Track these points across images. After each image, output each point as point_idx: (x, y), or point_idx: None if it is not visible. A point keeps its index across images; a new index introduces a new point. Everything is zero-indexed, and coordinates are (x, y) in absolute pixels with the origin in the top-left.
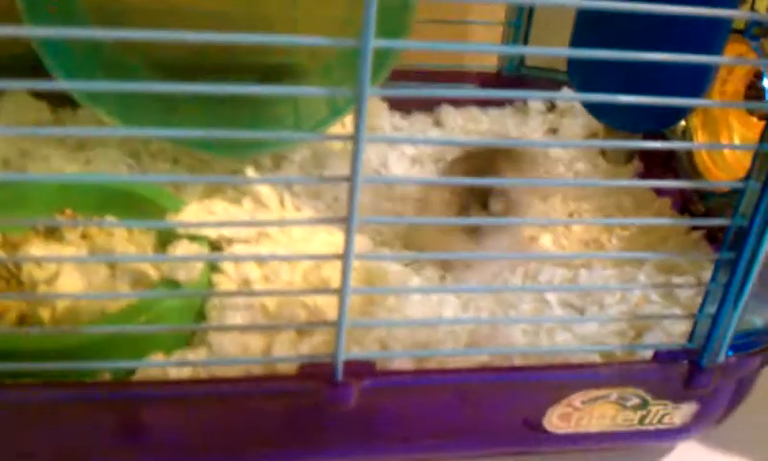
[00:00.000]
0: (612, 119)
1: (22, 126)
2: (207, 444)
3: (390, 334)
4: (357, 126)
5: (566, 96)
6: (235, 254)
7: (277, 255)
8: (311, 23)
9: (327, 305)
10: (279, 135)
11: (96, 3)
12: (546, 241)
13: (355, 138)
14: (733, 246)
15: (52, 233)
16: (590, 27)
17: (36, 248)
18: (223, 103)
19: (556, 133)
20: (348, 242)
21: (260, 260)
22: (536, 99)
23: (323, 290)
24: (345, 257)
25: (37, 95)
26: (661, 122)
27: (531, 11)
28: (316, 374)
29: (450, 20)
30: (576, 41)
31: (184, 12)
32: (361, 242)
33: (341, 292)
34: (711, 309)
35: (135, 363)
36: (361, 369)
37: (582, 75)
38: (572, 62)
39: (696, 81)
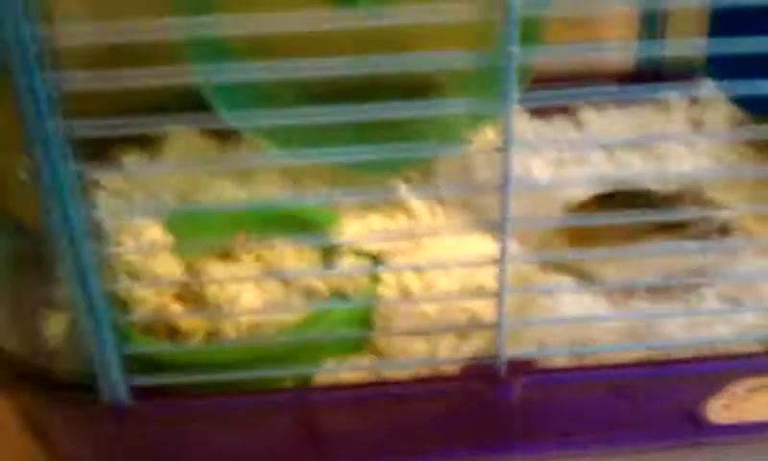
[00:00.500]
0: (759, 106)
1: (193, 161)
2: (378, 443)
3: (547, 333)
4: (506, 133)
5: (707, 89)
6: (396, 265)
7: (436, 263)
8: (446, 36)
9: (484, 309)
10: (432, 149)
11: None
12: None
13: (505, 145)
14: None
15: (228, 256)
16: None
17: (216, 271)
18: (372, 124)
19: (699, 126)
20: (503, 245)
21: (419, 270)
22: (676, 93)
23: (481, 292)
24: (501, 261)
25: (203, 132)
26: None
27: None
28: (479, 373)
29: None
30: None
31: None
32: (514, 249)
33: (499, 294)
34: None
35: (311, 369)
36: (522, 366)
37: (722, 67)
38: (712, 55)
39: None
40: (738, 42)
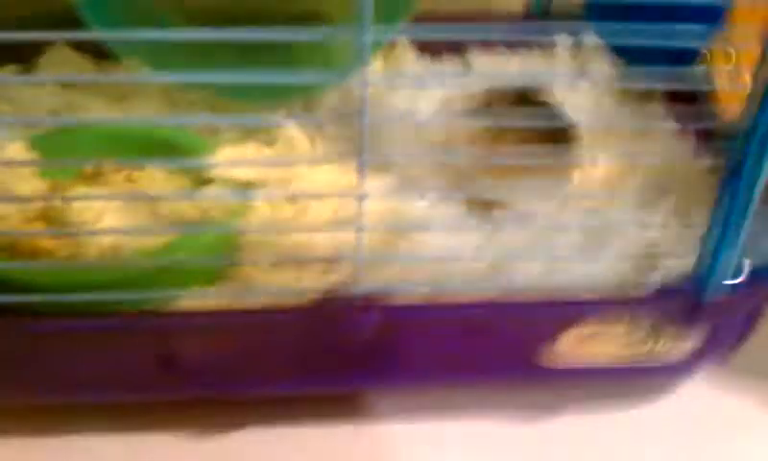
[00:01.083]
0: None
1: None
2: (233, 371)
3: (409, 269)
4: (363, 67)
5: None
6: (257, 191)
7: (299, 193)
8: None
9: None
10: (311, 78)
11: None
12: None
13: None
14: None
15: (97, 179)
16: None
17: (83, 190)
18: (255, 52)
19: (584, 73)
20: (360, 178)
21: (276, 198)
22: (563, 42)
23: (340, 226)
24: (359, 195)
25: (79, 49)
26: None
27: None
28: (333, 305)
29: None
30: None
31: None
32: (388, 183)
33: (357, 228)
34: (714, 241)
35: (172, 295)
36: (376, 301)
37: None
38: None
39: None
40: None
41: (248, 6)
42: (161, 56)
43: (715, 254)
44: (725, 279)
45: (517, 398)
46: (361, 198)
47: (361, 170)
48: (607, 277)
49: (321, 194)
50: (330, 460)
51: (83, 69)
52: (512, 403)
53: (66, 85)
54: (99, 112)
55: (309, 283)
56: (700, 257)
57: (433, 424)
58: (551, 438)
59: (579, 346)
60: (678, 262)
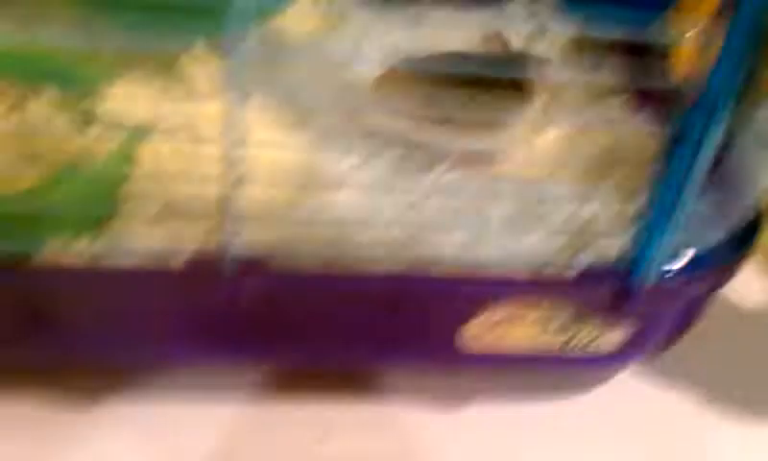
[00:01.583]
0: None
1: None
2: (102, 336)
3: (309, 231)
4: None
5: None
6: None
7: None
8: None
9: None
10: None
11: None
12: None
13: None
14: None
15: None
16: None
17: None
18: None
19: (543, 34)
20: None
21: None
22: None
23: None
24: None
25: None
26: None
27: None
28: (201, 269)
29: None
30: None
31: None
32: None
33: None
34: (647, 217)
35: (37, 244)
36: (254, 267)
37: None
38: None
39: None
40: None
41: None
42: None
43: (649, 234)
44: (659, 265)
45: (429, 382)
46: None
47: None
48: (534, 255)
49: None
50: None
51: None
52: (424, 388)
53: None
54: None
55: (188, 242)
56: (633, 238)
57: (324, 406)
58: (462, 426)
59: (496, 329)
60: (611, 243)
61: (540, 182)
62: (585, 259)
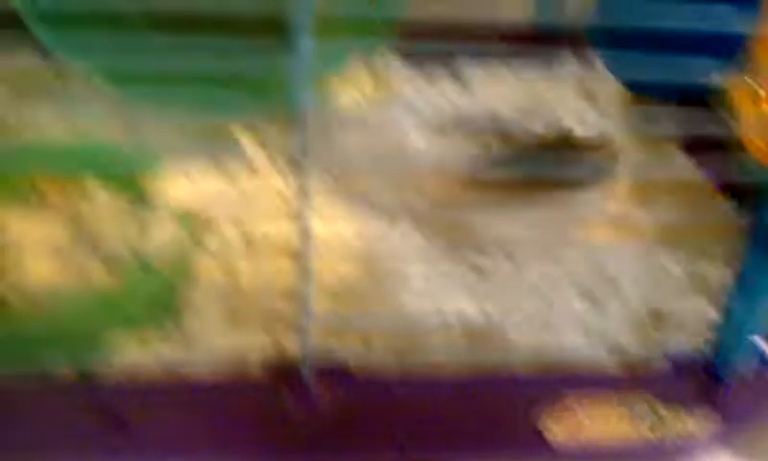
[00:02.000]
0: (640, 85)
1: (25, 88)
2: (183, 440)
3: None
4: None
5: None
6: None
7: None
8: None
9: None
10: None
11: None
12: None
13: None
14: None
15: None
16: None
17: (12, 220)
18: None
19: (591, 95)
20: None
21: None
22: (569, 60)
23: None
24: (302, 253)
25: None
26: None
27: None
28: (281, 379)
29: None
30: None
31: None
32: (369, 224)
33: (302, 288)
34: (738, 307)
35: (104, 350)
36: (333, 373)
37: (604, 38)
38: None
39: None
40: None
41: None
42: (114, 67)
43: (738, 327)
44: (748, 356)
45: None
46: (306, 255)
47: (304, 222)
48: (612, 337)
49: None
50: None
51: (32, 61)
52: None
53: (23, 94)
54: (46, 120)
55: (260, 346)
56: (719, 329)
57: None
58: None
59: (582, 421)
60: (696, 328)
61: (613, 249)
62: (668, 346)
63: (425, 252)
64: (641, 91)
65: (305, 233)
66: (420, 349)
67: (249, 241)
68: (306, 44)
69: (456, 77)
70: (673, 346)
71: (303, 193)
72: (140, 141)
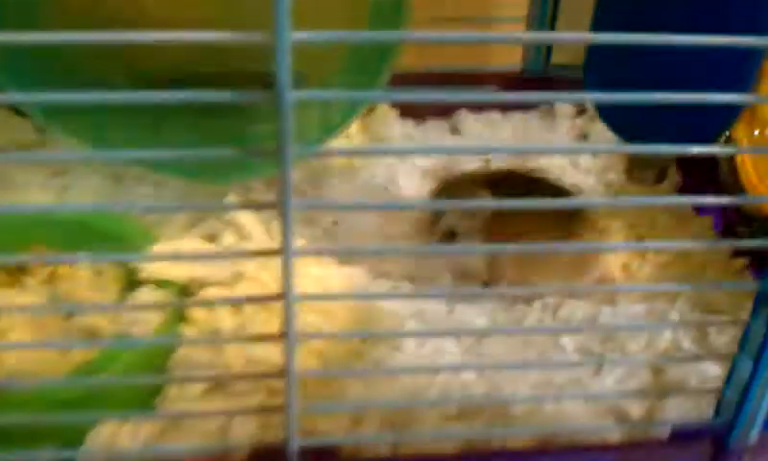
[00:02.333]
0: (637, 136)
1: (3, 145)
2: None
3: (368, 398)
4: (282, 130)
5: (591, 96)
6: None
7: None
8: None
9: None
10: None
11: (63, 12)
12: None
13: (280, 153)
14: None
15: (15, 274)
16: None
17: None
18: (208, 118)
19: (586, 139)
20: (287, 276)
21: (202, 307)
22: (563, 102)
23: (264, 335)
24: (287, 299)
25: (20, 113)
26: (696, 136)
27: (556, 5)
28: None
29: (469, 17)
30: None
31: (163, 22)
32: (355, 275)
33: (286, 339)
34: (746, 370)
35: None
36: (320, 456)
37: (599, 84)
38: (590, 71)
39: (739, 78)
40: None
41: (203, 68)
42: (98, 127)
43: (746, 391)
44: (757, 422)
45: None
46: (288, 301)
47: (287, 262)
48: (616, 401)
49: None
50: None
51: (23, 135)
52: None
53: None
54: (32, 190)
55: (245, 424)
56: (725, 393)
57: None
58: None
59: None
60: (703, 393)
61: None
62: (674, 413)
63: (419, 309)
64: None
65: (289, 301)
66: (414, 424)
67: (236, 308)
68: (288, 99)
69: (449, 123)
70: (677, 413)
71: (287, 251)
72: (127, 207)
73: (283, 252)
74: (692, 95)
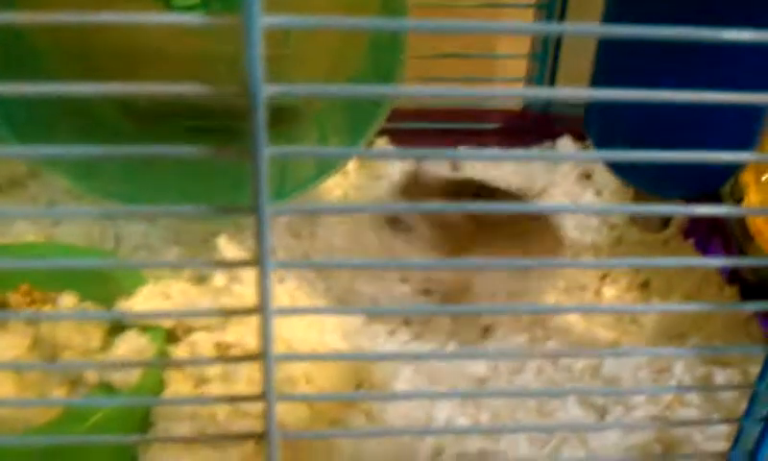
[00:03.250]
0: (641, 182)
1: None
2: None
3: (360, 449)
4: (256, 191)
5: (593, 156)
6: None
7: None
8: (303, 60)
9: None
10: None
11: (60, 46)
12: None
13: (258, 213)
14: None
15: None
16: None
17: None
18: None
19: (589, 178)
20: (266, 336)
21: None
22: (565, 143)
23: (243, 397)
24: (263, 356)
25: None
26: (702, 185)
27: (558, 41)
28: None
29: (471, 54)
30: (598, 81)
31: (160, 52)
32: (350, 320)
33: (264, 397)
34: (753, 434)
35: None
36: None
37: (601, 127)
38: (591, 112)
39: (745, 128)
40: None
41: (197, 102)
42: (90, 166)
43: (752, 457)
44: None
45: None
46: (267, 359)
47: (266, 322)
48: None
49: (229, 359)
50: None
51: (14, 168)
52: None
53: None
54: (23, 222)
55: None
56: (732, 458)
57: None
58: None
59: None
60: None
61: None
62: None
63: (413, 352)
64: (643, 188)
65: (268, 362)
66: None
67: (221, 350)
68: (264, 155)
69: (449, 160)
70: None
71: (266, 311)
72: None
73: (261, 311)
74: (701, 154)
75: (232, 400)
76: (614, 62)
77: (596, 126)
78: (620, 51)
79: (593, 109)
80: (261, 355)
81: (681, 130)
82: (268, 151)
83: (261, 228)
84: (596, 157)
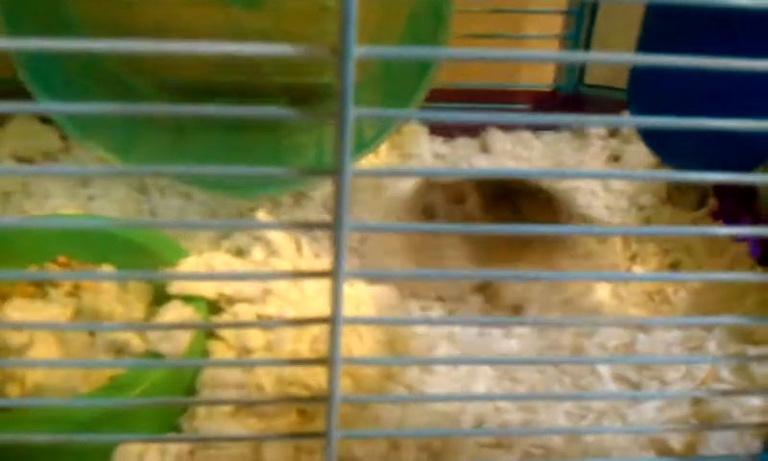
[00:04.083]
0: (677, 158)
1: (28, 153)
2: None
3: (403, 422)
4: (339, 152)
5: (629, 121)
6: (205, 323)
7: (253, 323)
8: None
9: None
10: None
11: (95, 20)
12: (604, 292)
13: (338, 171)
14: None
15: (40, 285)
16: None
17: (18, 306)
18: (238, 130)
19: (618, 160)
20: (336, 303)
21: (239, 328)
22: (596, 125)
23: (309, 360)
24: (333, 322)
25: (45, 120)
26: (740, 162)
27: (592, 21)
28: None
29: (502, 34)
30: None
31: (197, 31)
32: (385, 294)
33: (330, 363)
34: None
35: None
36: None
37: (644, 106)
38: (633, 91)
39: None
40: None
41: (234, 80)
42: (128, 136)
43: None
44: None
45: None
46: (336, 324)
47: (338, 288)
48: (651, 441)
49: (297, 321)
50: None
51: (49, 143)
52: None
53: (25, 160)
54: (56, 199)
55: (272, 445)
56: None
57: None
58: None
59: None
60: (747, 418)
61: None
62: (718, 445)
63: (449, 330)
64: (678, 165)
65: (336, 325)
66: (451, 450)
67: (266, 326)
68: (350, 116)
69: (479, 141)
70: (721, 445)
71: (339, 274)
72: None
73: (334, 274)
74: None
75: (297, 362)
76: (662, 34)
77: (639, 99)
78: (668, 22)
79: (637, 82)
80: (330, 319)
81: (727, 103)
82: (354, 112)
83: (341, 190)
84: (639, 124)
